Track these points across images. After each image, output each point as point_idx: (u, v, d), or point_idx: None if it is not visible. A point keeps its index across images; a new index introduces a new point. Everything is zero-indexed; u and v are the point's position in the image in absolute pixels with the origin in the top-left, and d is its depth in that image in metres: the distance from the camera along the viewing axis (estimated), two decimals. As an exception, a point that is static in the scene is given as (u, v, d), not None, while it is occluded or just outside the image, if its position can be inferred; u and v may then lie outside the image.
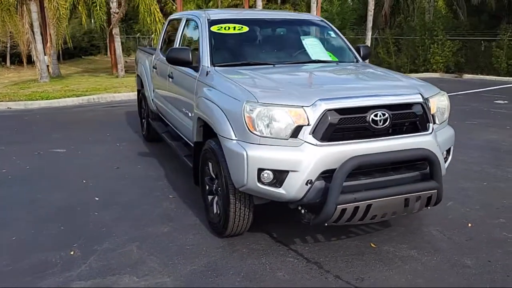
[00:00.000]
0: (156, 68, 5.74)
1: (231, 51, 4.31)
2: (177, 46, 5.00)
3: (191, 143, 4.53)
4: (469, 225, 3.95)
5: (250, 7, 26.81)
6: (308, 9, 17.64)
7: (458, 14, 23.74)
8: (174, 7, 18.96)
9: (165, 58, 5.24)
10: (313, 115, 3.06)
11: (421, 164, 3.37)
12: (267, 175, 3.08)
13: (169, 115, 5.23)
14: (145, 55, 6.59)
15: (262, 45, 4.61)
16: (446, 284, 3.05)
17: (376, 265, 3.28)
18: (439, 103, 3.53)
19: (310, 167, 3.03)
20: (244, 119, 3.13)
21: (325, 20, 5.01)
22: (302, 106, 3.08)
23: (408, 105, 3.32)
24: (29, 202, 4.49)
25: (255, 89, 3.29)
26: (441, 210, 4.14)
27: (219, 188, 3.58)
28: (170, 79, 4.94)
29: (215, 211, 3.73)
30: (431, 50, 19.41)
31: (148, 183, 4.99)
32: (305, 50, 4.56)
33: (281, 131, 3.08)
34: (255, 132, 3.10)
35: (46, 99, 10.52)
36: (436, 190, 3.29)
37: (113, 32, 16.43)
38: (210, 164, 3.74)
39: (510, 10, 24.95)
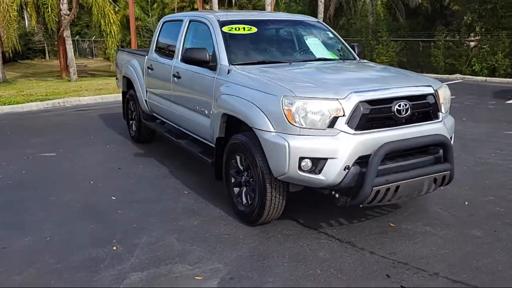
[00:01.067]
0: (152, 69, 5.81)
1: (245, 50, 4.52)
2: (180, 47, 5.14)
3: (203, 140, 4.71)
4: (466, 203, 4.44)
5: (196, 9, 26.88)
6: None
7: (397, 17, 25.23)
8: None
9: (160, 58, 5.45)
10: (348, 106, 3.37)
11: (433, 149, 3.78)
12: (307, 163, 3.36)
13: (172, 115, 5.34)
14: (133, 56, 6.62)
15: (271, 44, 4.85)
16: (466, 252, 3.47)
17: (402, 241, 3.65)
18: (444, 94, 3.97)
19: (347, 154, 3.33)
20: (284, 112, 3.38)
21: (321, 21, 5.36)
22: (337, 99, 3.38)
23: (423, 96, 3.73)
24: (45, 204, 4.46)
25: (290, 85, 3.55)
26: (439, 192, 4.58)
27: (251, 179, 3.80)
28: (176, 78, 5.07)
29: (244, 201, 3.94)
30: (377, 50, 20.53)
31: (157, 181, 5.09)
32: (309, 49, 4.88)
33: (319, 122, 3.36)
34: (294, 124, 3.36)
35: (9, 104, 10.10)
36: (449, 171, 3.71)
37: (64, 35, 15.95)
38: (238, 157, 3.95)
39: (442, 13, 26.86)
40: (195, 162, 5.62)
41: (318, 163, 3.36)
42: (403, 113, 3.54)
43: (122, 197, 4.61)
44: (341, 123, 3.37)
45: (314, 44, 4.93)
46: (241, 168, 3.95)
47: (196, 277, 3.13)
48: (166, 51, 5.64)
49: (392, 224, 3.96)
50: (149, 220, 4.05)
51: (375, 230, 3.86)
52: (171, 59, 5.30)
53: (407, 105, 3.56)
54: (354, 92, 3.42)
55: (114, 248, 3.54)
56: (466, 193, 4.66)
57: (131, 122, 6.95)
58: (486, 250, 3.51)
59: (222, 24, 4.61)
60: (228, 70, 4.15)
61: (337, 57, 4.92)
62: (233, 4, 28.09)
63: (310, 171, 3.38)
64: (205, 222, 4.02)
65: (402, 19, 24.73)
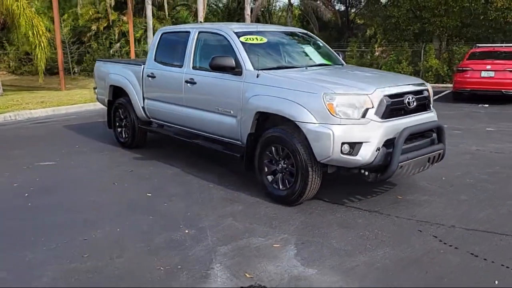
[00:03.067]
0: (153, 77, 6.22)
1: (262, 57, 5.19)
2: (191, 56, 5.66)
3: (222, 138, 5.28)
4: (443, 178, 5.52)
5: (113, 21, 26.54)
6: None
7: (311, 29, 27.20)
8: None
9: (164, 67, 5.95)
10: (375, 99, 4.23)
11: (428, 133, 4.78)
12: (347, 147, 4.14)
13: (183, 118, 5.81)
14: (125, 66, 6.92)
15: (281, 52, 5.58)
16: (463, 210, 4.48)
17: (414, 207, 4.57)
18: (431, 90, 5.00)
19: (378, 138, 4.18)
20: (326, 106, 4.14)
21: (309, 33, 6.21)
22: (367, 94, 4.22)
23: (422, 91, 4.72)
24: (88, 204, 4.72)
25: (326, 84, 4.32)
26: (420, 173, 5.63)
27: (291, 165, 4.49)
28: (190, 84, 5.58)
29: (281, 187, 4.61)
30: (299, 60, 22.01)
31: (177, 179, 5.53)
32: (309, 55, 5.70)
33: (354, 113, 4.17)
34: (336, 115, 4.14)
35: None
36: (443, 150, 4.73)
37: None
38: (273, 148, 4.62)
39: (349, 27, 29.47)
40: (202, 162, 6.13)
41: (355, 146, 4.16)
42: (411, 104, 4.49)
43: (156, 194, 5.00)
44: (371, 114, 4.21)
45: (311, 52, 5.77)
46: (277, 157, 4.62)
47: (274, 245, 3.74)
48: (170, 60, 6.10)
49: (399, 197, 4.88)
50: (198, 209, 4.54)
51: (389, 201, 4.74)
52: (180, 67, 5.78)
53: (413, 98, 4.51)
54: (378, 88, 4.29)
55: (186, 231, 4.00)
56: (439, 170, 5.74)
57: (119, 129, 7.20)
58: (476, 208, 4.55)
59: (238, 35, 5.24)
60: (258, 74, 4.80)
61: (331, 63, 5.78)
62: (154, 15, 28.21)
63: (349, 153, 4.16)
64: (249, 207, 4.60)
65: (316, 31, 26.76)
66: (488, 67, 12.23)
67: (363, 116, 4.20)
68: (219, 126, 5.29)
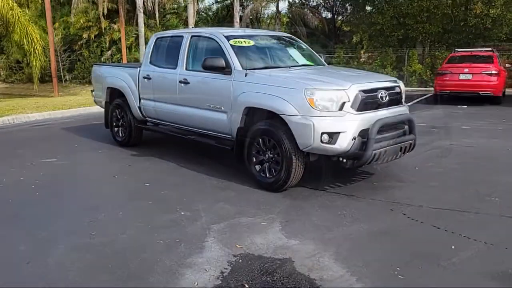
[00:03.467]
0: (149, 78, 6.69)
1: (250, 58, 5.68)
2: (184, 58, 6.14)
3: (214, 134, 5.75)
4: (416, 168, 6.04)
5: (104, 29, 26.85)
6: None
7: (299, 36, 27.82)
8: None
9: (158, 69, 6.42)
10: (351, 94, 4.73)
11: (400, 125, 5.29)
12: (326, 137, 4.63)
13: (178, 116, 6.27)
14: (121, 69, 7.39)
15: (266, 54, 6.09)
16: (432, 194, 4.99)
17: (392, 191, 5.07)
18: (403, 87, 5.53)
19: (353, 128, 4.68)
20: (307, 101, 4.63)
21: (293, 36, 6.73)
22: (344, 89, 4.73)
23: (394, 87, 5.24)
24: (92, 193, 5.15)
25: (307, 81, 4.83)
26: (395, 161, 6.14)
27: (276, 155, 4.97)
28: (183, 84, 6.05)
29: (268, 175, 5.09)
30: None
31: (174, 171, 5.98)
32: (293, 57, 6.22)
33: (333, 106, 4.67)
34: (316, 108, 4.63)
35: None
36: (413, 140, 5.25)
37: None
38: (261, 140, 5.10)
39: (336, 33, 30.16)
40: (195, 156, 6.60)
41: (333, 136, 4.65)
42: (384, 99, 5.00)
43: (154, 184, 5.45)
44: (347, 107, 4.71)
45: (295, 53, 6.28)
46: (264, 148, 5.10)
47: (261, 223, 4.21)
48: (165, 62, 6.58)
49: (375, 183, 5.38)
50: (193, 195, 4.99)
51: (365, 187, 5.24)
52: (174, 69, 6.26)
53: (386, 94, 5.03)
54: (354, 84, 4.80)
55: (183, 213, 4.46)
56: (413, 161, 6.26)
57: (116, 129, 7.64)
58: (444, 192, 5.06)
59: (228, 38, 5.74)
60: (246, 73, 5.29)
61: (313, 63, 6.30)
62: (144, 24, 28.67)
63: (328, 142, 4.65)
64: (240, 193, 5.07)
65: (304, 38, 27.40)
66: (466, 70, 12.88)
67: (340, 109, 4.69)
68: (211, 122, 5.76)
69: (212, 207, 4.64)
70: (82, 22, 26.84)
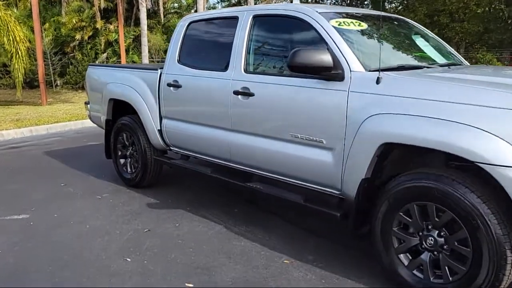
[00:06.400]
0: (178, 86, 4.19)
1: (369, 52, 3.20)
2: (242, 53, 3.66)
3: (309, 185, 3.26)
4: None
5: (99, 29, 24.41)
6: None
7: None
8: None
9: (195, 71, 3.96)
10: None
11: None
12: None
13: (229, 149, 3.78)
14: (130, 72, 4.88)
15: (391, 44, 3.60)
16: None
17: None
18: None
19: None
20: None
21: (409, 20, 4.22)
22: None
23: None
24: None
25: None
26: None
27: (458, 241, 2.48)
28: (242, 97, 3.56)
29: (450, 277, 2.60)
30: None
31: (225, 245, 3.48)
32: (424, 50, 3.74)
33: None
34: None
35: None
36: None
37: None
38: (417, 209, 2.62)
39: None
40: (256, 213, 4.11)
41: None
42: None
43: (201, 280, 2.94)
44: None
45: (424, 45, 3.80)
46: (425, 224, 2.61)
47: None
48: (205, 61, 4.10)
49: None
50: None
51: None
52: (223, 71, 3.77)
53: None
54: None
55: None
56: None
57: (122, 161, 5.13)
58: None
59: (327, 17, 3.26)
60: (378, 78, 2.80)
61: (452, 60, 3.83)
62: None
63: None
64: None
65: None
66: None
67: None
68: (299, 164, 3.27)
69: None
70: (74, 22, 24.27)
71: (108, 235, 3.76)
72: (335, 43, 3.06)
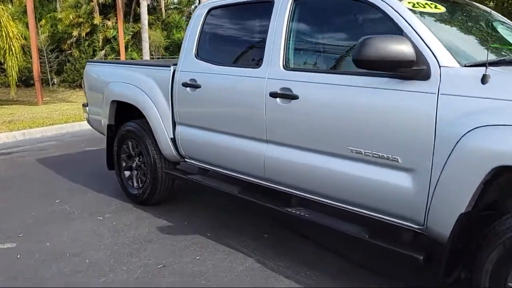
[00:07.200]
0: (197, 87, 3.43)
1: (458, 42, 2.45)
2: (280, 46, 2.90)
3: (378, 215, 2.52)
4: None
5: (97, 25, 23.65)
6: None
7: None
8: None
9: (218, 68, 3.23)
10: None
11: None
12: None
13: (265, 164, 3.03)
14: (137, 70, 4.12)
15: (475, 33, 2.84)
16: None
17: None
18: None
19: None
20: None
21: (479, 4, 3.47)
22: None
23: None
24: None
25: None
26: None
27: None
28: (282, 100, 2.81)
29: None
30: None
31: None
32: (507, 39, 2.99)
33: None
34: None
35: None
36: None
37: None
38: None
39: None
40: (291, 239, 3.35)
41: None
42: None
43: None
44: None
45: (509, 34, 3.04)
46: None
47: None
48: (231, 56, 3.34)
49: None
50: None
51: None
52: (256, 68, 3.02)
53: None
54: None
55: None
56: None
57: (127, 173, 4.37)
58: None
59: (397, -3, 2.51)
60: (485, 76, 2.04)
61: None
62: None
63: None
64: None
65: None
66: None
67: None
68: (360, 187, 2.52)
69: None
70: (71, 18, 23.48)
71: (112, 272, 3.01)
72: (414, 31, 2.31)
